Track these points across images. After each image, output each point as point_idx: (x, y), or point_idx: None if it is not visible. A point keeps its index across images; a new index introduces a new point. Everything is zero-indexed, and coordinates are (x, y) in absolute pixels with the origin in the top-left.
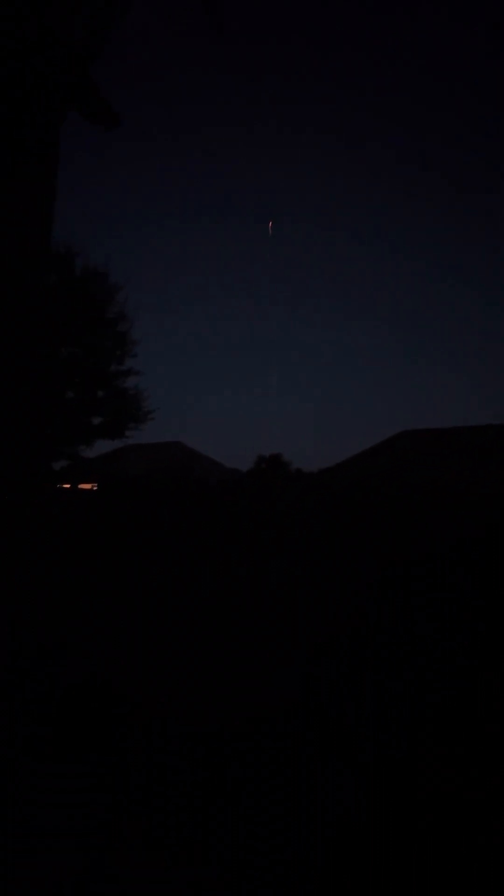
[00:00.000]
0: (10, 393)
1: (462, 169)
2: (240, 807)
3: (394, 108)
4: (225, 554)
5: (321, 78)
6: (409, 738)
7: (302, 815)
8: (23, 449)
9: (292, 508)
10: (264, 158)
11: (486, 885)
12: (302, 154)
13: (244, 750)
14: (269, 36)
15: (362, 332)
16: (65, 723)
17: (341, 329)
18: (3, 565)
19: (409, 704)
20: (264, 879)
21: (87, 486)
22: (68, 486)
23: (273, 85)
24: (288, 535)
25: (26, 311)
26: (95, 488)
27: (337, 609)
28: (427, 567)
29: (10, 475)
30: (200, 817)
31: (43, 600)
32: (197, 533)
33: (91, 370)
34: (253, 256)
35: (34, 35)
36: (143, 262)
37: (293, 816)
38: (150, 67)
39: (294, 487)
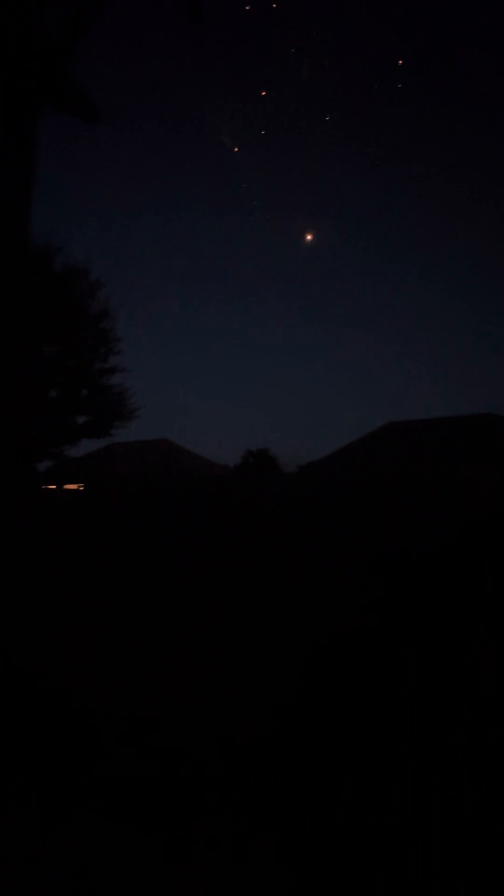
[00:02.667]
0: None
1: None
2: None
3: (392, 96)
4: None
5: (316, 63)
6: None
7: None
8: (4, 450)
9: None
10: (254, 149)
11: None
12: (292, 144)
13: None
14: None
15: (348, 326)
16: None
17: (327, 324)
18: None
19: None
20: None
21: (73, 487)
22: (54, 486)
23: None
24: None
25: (6, 310)
26: (82, 489)
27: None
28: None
29: None
30: None
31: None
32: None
33: (74, 369)
34: (239, 252)
35: (6, 31)
36: (127, 259)
37: None
38: (133, 58)
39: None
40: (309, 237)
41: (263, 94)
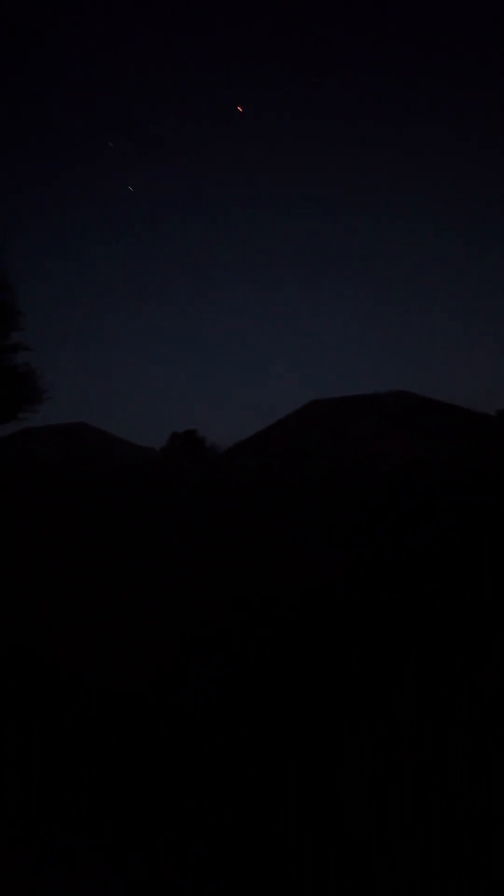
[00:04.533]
0: None
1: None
2: None
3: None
4: None
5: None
6: None
7: None
8: None
9: None
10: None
11: None
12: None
13: None
14: None
15: (272, 299)
16: None
17: (249, 296)
18: None
19: None
20: None
21: None
22: None
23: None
24: None
25: None
26: None
27: None
28: None
29: None
30: None
31: None
32: None
33: None
34: (155, 221)
35: None
36: (34, 229)
37: None
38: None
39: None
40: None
41: None
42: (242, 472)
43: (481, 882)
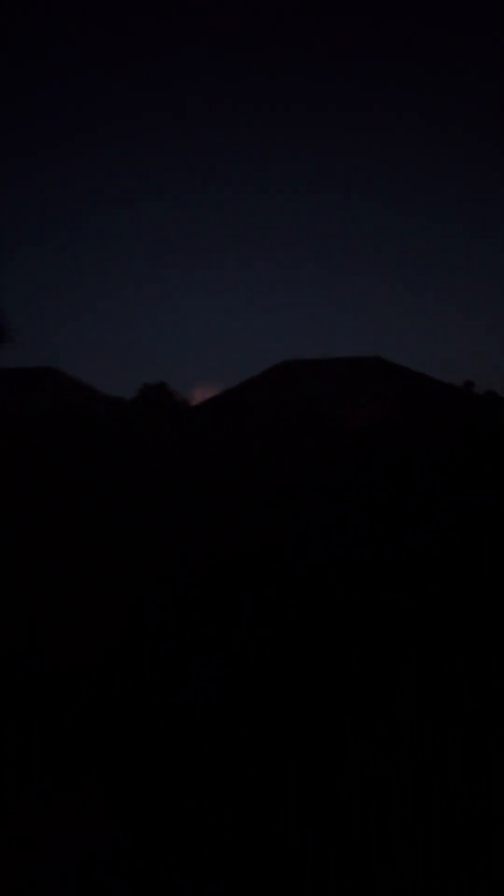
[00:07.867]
0: None
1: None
2: None
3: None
4: None
5: None
6: None
7: None
8: None
9: None
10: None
11: None
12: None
13: None
14: None
15: (247, 257)
16: None
17: (225, 253)
18: None
19: None
20: None
21: None
22: None
23: None
24: None
25: None
26: None
27: None
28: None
29: None
30: None
31: None
32: None
33: None
34: (128, 174)
35: None
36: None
37: None
38: None
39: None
40: None
41: None
42: (221, 434)
43: (481, 882)
